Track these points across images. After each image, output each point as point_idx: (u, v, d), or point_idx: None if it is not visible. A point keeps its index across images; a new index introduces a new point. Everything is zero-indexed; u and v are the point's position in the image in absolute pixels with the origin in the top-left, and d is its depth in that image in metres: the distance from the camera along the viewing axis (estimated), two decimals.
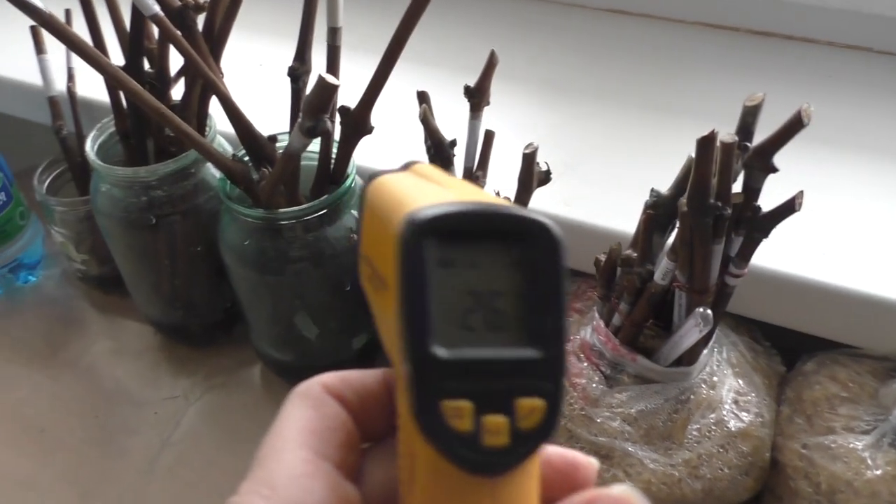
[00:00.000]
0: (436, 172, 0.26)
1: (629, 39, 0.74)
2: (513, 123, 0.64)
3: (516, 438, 0.21)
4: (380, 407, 0.25)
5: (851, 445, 0.47)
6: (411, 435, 0.22)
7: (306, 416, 0.23)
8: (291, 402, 0.24)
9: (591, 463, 0.25)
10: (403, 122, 0.58)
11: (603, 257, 0.50)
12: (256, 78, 0.71)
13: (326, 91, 0.33)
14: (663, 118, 0.64)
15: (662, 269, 0.45)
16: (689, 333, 0.44)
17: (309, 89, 0.50)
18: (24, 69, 0.73)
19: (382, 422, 0.26)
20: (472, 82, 0.49)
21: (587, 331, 0.52)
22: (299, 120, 0.37)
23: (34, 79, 0.70)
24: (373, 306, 0.25)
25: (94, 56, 0.44)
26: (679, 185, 0.45)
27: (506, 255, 0.21)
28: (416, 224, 0.20)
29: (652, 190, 0.46)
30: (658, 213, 0.46)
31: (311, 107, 0.35)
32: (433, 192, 0.23)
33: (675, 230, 0.44)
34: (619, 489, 0.22)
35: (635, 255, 0.47)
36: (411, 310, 0.20)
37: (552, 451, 0.24)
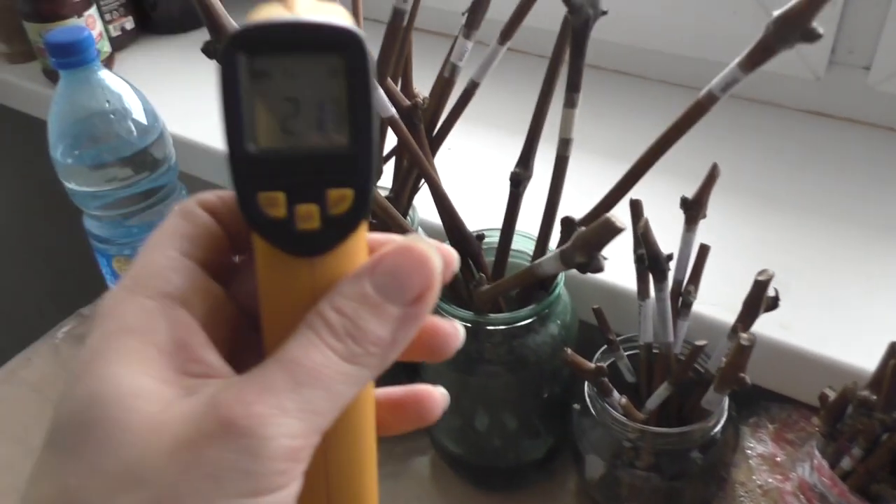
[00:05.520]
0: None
1: (862, 150, 0.70)
2: (716, 231, 0.61)
3: (327, 223, 0.24)
4: None
5: None
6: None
7: (175, 223, 0.26)
8: (168, 216, 0.27)
9: (456, 328, 0.28)
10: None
11: (829, 392, 0.47)
12: (443, 161, 0.71)
13: (610, 233, 0.32)
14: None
15: None
16: None
17: (526, 196, 0.50)
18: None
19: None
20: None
21: (805, 468, 0.48)
22: (564, 248, 0.36)
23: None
24: None
25: None
26: None
27: (321, 63, 0.23)
28: (229, 38, 0.23)
29: None
30: None
31: (588, 244, 0.34)
32: (269, 12, 0.24)
33: None
34: (401, 238, 0.25)
35: (875, 397, 0.44)
36: (227, 114, 0.23)
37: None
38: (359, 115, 0.23)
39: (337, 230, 0.24)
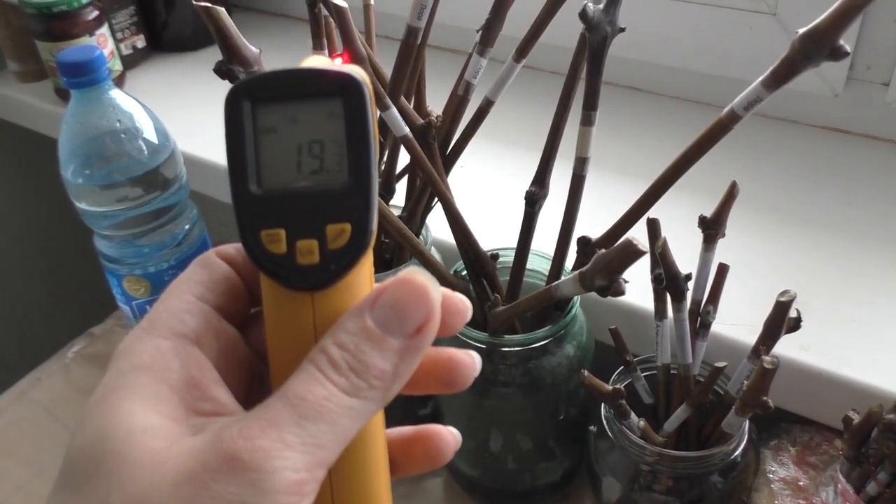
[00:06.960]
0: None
1: (881, 167, 0.69)
2: (733, 250, 0.60)
3: (327, 257, 0.24)
4: None
5: None
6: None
7: (194, 272, 0.27)
8: (188, 266, 0.28)
9: (472, 358, 0.28)
10: None
11: (853, 414, 0.46)
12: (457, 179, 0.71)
13: (632, 255, 0.31)
14: None
15: None
16: None
17: (543, 216, 0.49)
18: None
19: None
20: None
21: (829, 493, 0.47)
22: (584, 270, 0.35)
23: None
24: None
25: None
26: None
27: (321, 107, 0.24)
28: (232, 88, 0.24)
29: None
30: None
31: (610, 266, 0.33)
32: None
33: None
34: (404, 271, 0.25)
35: None
36: (231, 159, 0.24)
37: (435, 351, 0.27)
38: (358, 153, 0.24)
39: (336, 264, 0.24)
